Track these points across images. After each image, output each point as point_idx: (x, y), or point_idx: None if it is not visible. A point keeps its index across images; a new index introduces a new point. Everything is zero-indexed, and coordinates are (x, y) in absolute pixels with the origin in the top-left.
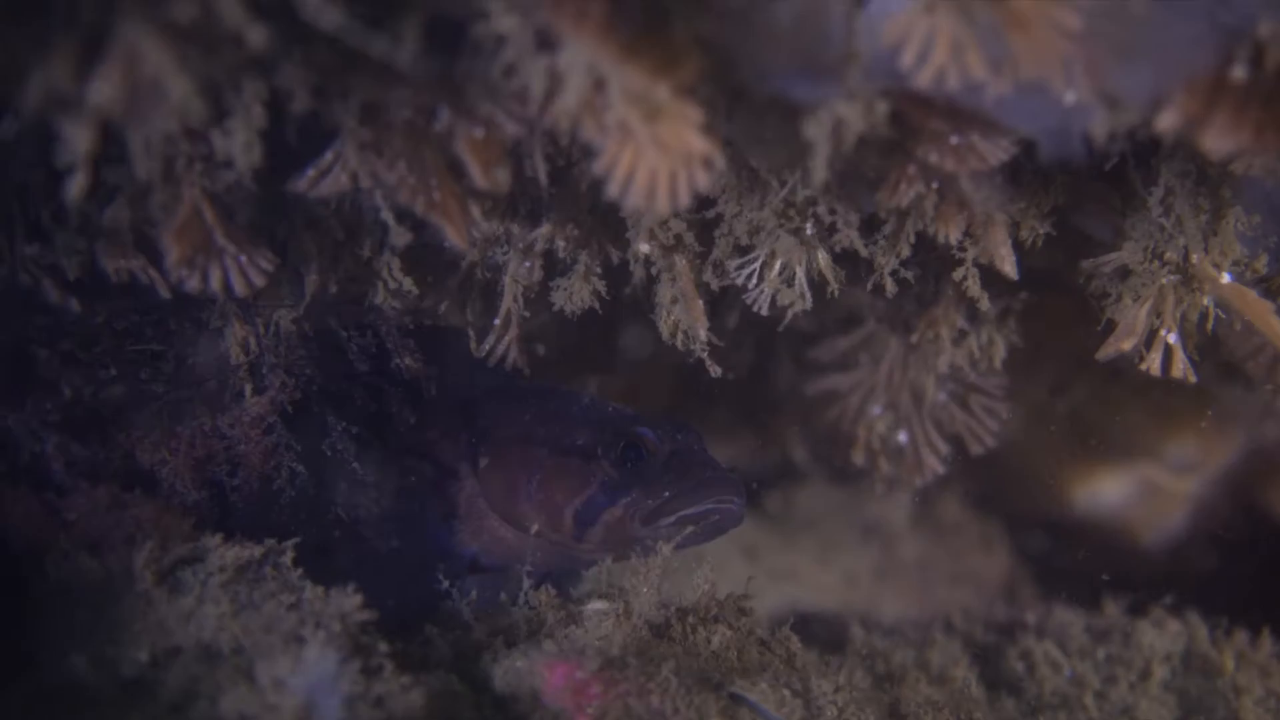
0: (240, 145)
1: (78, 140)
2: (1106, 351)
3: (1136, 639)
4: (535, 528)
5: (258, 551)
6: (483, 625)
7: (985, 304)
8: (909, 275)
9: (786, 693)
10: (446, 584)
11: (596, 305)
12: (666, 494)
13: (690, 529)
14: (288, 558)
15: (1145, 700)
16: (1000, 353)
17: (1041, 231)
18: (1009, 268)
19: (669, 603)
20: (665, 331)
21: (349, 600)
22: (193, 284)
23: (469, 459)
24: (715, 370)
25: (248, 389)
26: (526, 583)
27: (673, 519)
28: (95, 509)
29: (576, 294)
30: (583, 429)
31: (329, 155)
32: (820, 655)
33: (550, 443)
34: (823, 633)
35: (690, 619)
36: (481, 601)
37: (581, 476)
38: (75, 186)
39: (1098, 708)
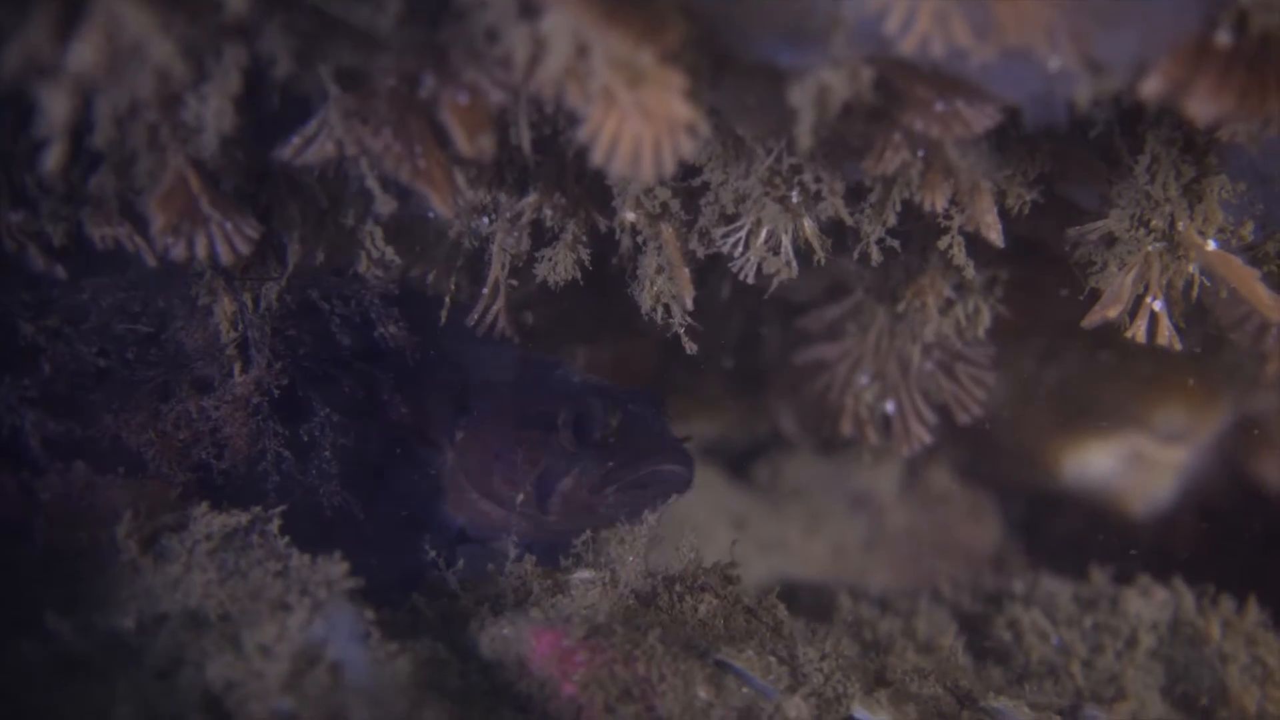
0: (214, 110)
1: (56, 108)
2: (1092, 319)
3: (1123, 607)
4: (509, 500)
5: (244, 519)
6: (469, 594)
7: (971, 272)
8: (895, 244)
9: (773, 660)
10: (433, 554)
11: (579, 276)
12: (611, 463)
13: (637, 495)
14: (274, 525)
15: (1132, 668)
16: (985, 321)
17: (1028, 199)
18: (995, 235)
19: (655, 571)
20: (646, 303)
21: (336, 567)
22: (178, 251)
23: (449, 432)
24: (691, 347)
25: (235, 367)
26: (512, 553)
27: (616, 486)
28: (70, 490)
29: (560, 264)
30: (545, 401)
31: (314, 123)
32: (807, 624)
33: (516, 415)
34: (811, 602)
35: (677, 587)
36: (469, 571)
37: (539, 448)
38: (52, 157)
39: (1084, 676)
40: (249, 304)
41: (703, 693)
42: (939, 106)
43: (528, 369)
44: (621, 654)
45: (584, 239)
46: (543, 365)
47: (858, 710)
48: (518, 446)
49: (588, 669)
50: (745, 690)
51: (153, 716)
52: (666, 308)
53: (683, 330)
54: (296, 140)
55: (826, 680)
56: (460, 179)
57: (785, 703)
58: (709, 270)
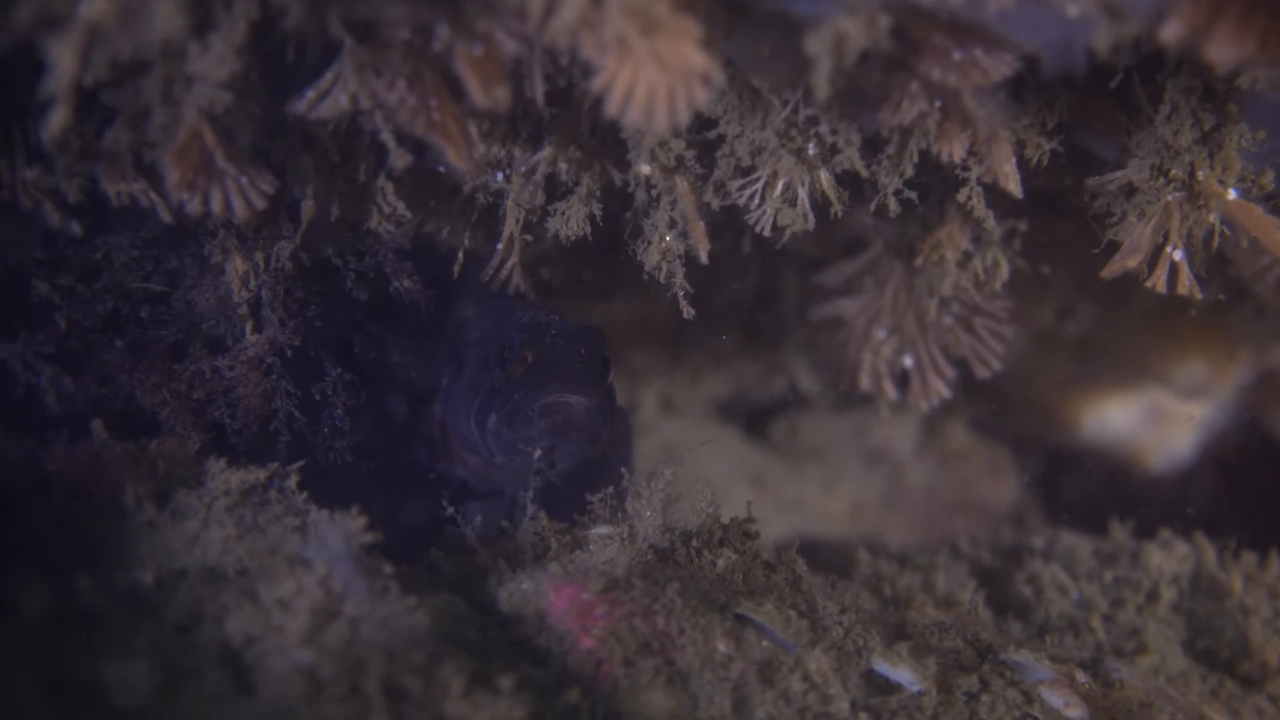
0: (216, 58)
1: (64, 62)
2: (1112, 270)
3: (1144, 562)
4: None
5: (261, 475)
6: (487, 549)
7: (991, 223)
8: (912, 196)
9: (793, 613)
10: (450, 509)
11: (588, 232)
12: (517, 395)
13: (541, 425)
14: (292, 481)
15: (1153, 622)
16: (1004, 275)
17: (1047, 148)
18: (1013, 185)
19: (673, 527)
20: (652, 259)
21: (354, 522)
22: (193, 206)
23: (443, 383)
24: (689, 311)
25: (248, 327)
26: (531, 508)
27: (519, 418)
28: (75, 464)
29: (573, 218)
30: (492, 343)
31: (328, 76)
32: (826, 579)
33: (475, 360)
34: (830, 559)
35: (694, 543)
36: (484, 527)
37: (477, 389)
38: (57, 119)
39: (1105, 630)
40: (261, 263)
41: (722, 646)
42: (956, 55)
43: (504, 317)
44: (641, 608)
45: (598, 193)
46: (514, 310)
47: (878, 663)
48: (467, 389)
49: (607, 622)
50: (765, 644)
51: (172, 671)
52: (669, 267)
53: (683, 295)
54: (311, 94)
55: (847, 634)
56: (474, 132)
57: (805, 656)
58: (724, 225)
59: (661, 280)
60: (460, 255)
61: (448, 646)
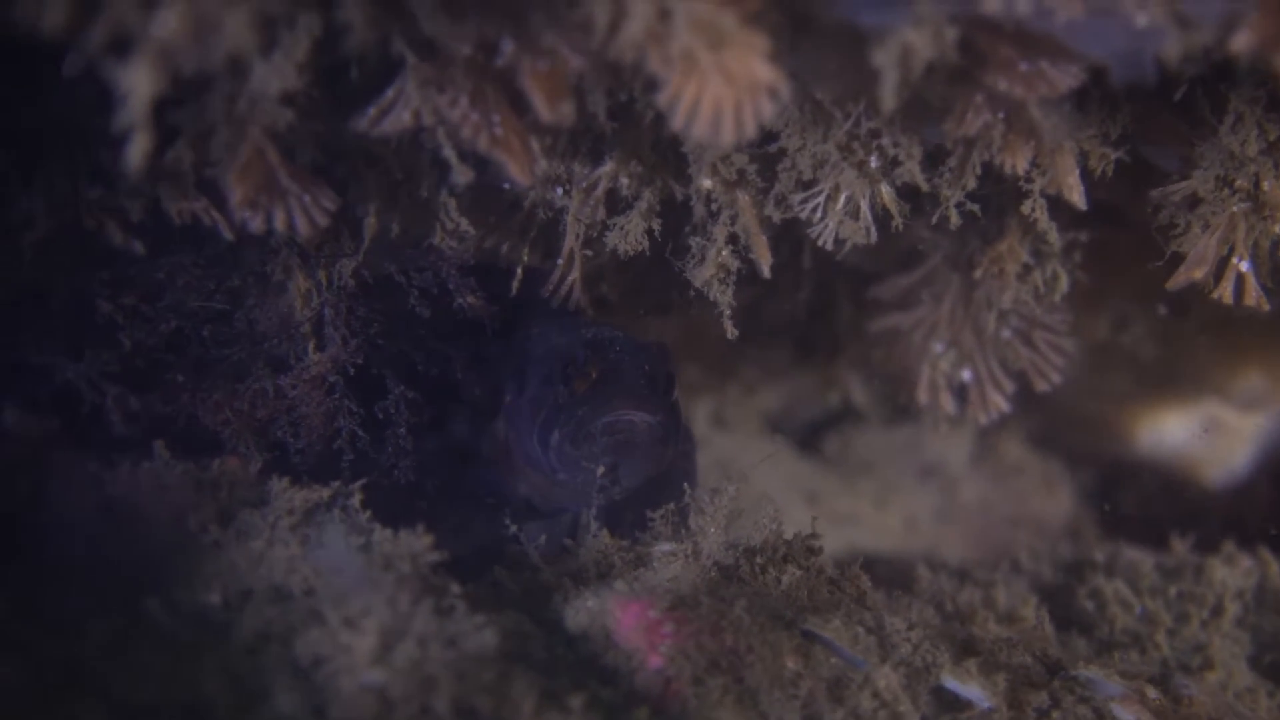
0: (277, 75)
1: (140, 86)
2: (1177, 281)
3: (1208, 576)
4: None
5: (325, 494)
6: (551, 568)
7: (1053, 236)
8: (974, 208)
9: (860, 630)
10: (514, 528)
11: (646, 248)
12: (580, 412)
13: (605, 442)
14: (356, 500)
15: (1218, 637)
16: (1063, 288)
17: (1112, 159)
18: (1077, 197)
19: (737, 543)
20: (704, 274)
21: (419, 541)
22: (256, 225)
23: (506, 400)
24: (733, 332)
25: (310, 345)
26: (594, 525)
27: (583, 435)
28: (138, 487)
29: (632, 232)
30: (556, 359)
31: (390, 93)
32: (888, 595)
33: (539, 375)
34: (886, 574)
35: (759, 559)
36: (547, 546)
37: (540, 406)
38: (137, 148)
39: (1170, 645)
40: (323, 280)
41: (791, 663)
42: (1023, 66)
43: (566, 332)
44: (708, 625)
45: (658, 208)
46: (576, 326)
47: (948, 680)
48: (530, 406)
49: (675, 640)
50: (833, 660)
51: (243, 692)
52: (720, 284)
53: (729, 312)
54: (373, 111)
55: (915, 650)
56: (536, 147)
57: (874, 672)
58: (780, 238)
59: (711, 297)
60: (519, 271)
61: (516, 665)
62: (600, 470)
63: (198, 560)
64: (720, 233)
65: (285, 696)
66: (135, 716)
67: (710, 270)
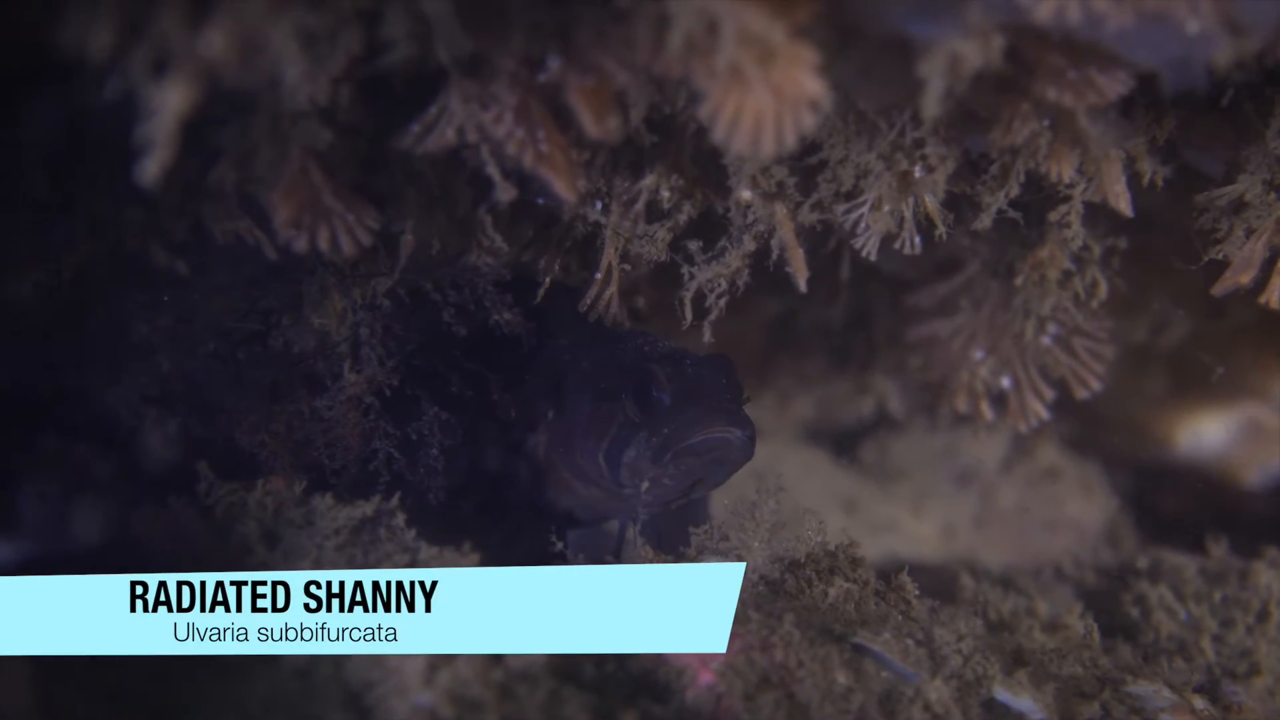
0: (319, 92)
1: (172, 102)
2: (1224, 286)
3: (1252, 580)
4: (593, 478)
5: (369, 509)
6: None
7: (1094, 243)
8: (1016, 216)
9: (910, 642)
10: (560, 545)
11: (665, 258)
12: (666, 430)
13: (695, 463)
14: (400, 519)
15: (1264, 643)
16: (1102, 294)
17: (1161, 172)
18: (1124, 205)
19: (782, 557)
20: (711, 270)
21: (465, 559)
22: (301, 244)
23: (545, 414)
24: (709, 337)
25: (346, 366)
26: (640, 542)
27: (671, 453)
28: (157, 530)
29: (659, 240)
30: (616, 373)
31: (433, 110)
32: (932, 605)
33: (591, 389)
34: (926, 582)
35: (805, 572)
36: (587, 554)
37: (608, 421)
38: (156, 161)
39: (1215, 651)
40: (359, 300)
41: (841, 678)
42: (1071, 74)
43: (611, 344)
44: (758, 640)
45: (694, 217)
46: (623, 339)
47: (999, 692)
48: (591, 421)
49: (725, 656)
50: (884, 674)
51: (295, 715)
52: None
53: (714, 319)
54: (416, 128)
55: (966, 662)
56: (579, 163)
57: (926, 686)
58: (819, 247)
59: (706, 305)
60: (546, 282)
61: (566, 683)
62: (644, 485)
63: None
64: (748, 242)
65: (338, 718)
66: None
67: (719, 270)
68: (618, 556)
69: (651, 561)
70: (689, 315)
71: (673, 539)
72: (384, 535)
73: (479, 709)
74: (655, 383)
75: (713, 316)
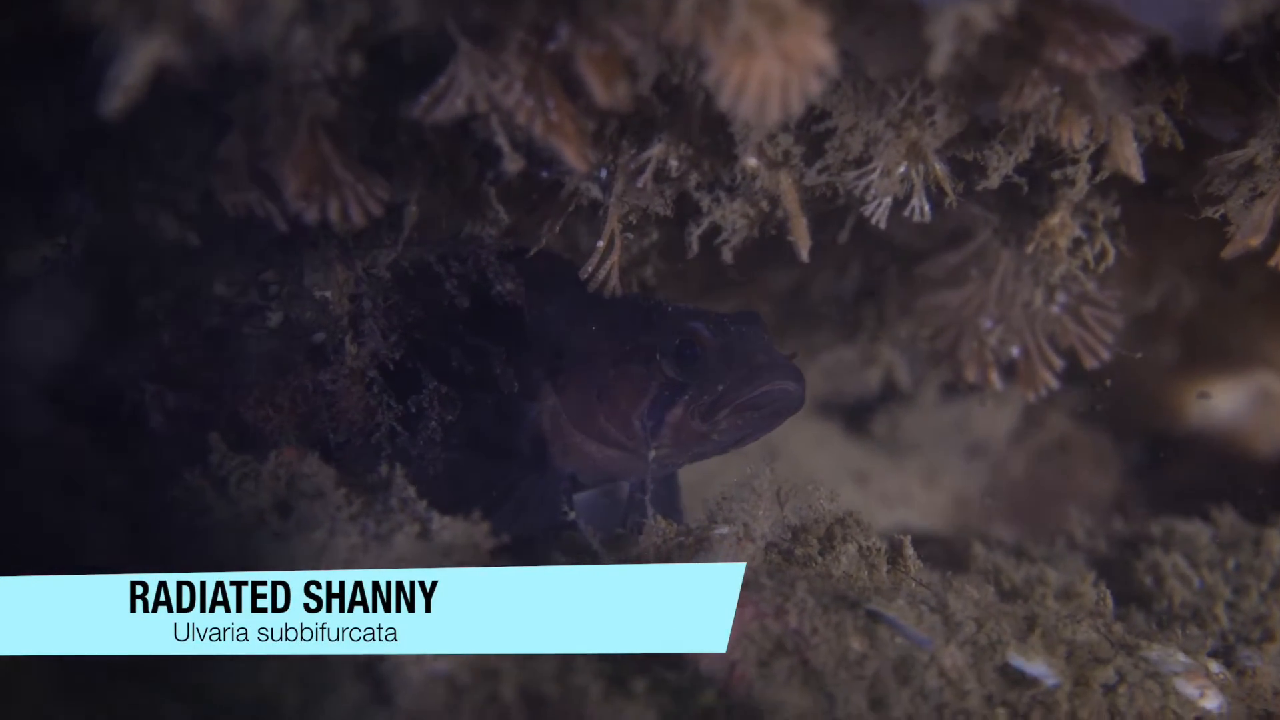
0: (326, 61)
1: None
2: (1234, 249)
3: (1266, 547)
4: (617, 438)
5: (376, 479)
6: (611, 553)
7: (1106, 209)
8: (1023, 182)
9: (924, 609)
10: (571, 515)
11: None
12: (720, 387)
13: (751, 415)
14: (412, 490)
15: (1278, 608)
16: (1110, 261)
17: (1174, 133)
18: (1135, 170)
19: (792, 525)
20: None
21: (477, 529)
22: (311, 215)
23: (550, 379)
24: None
25: (348, 339)
26: (650, 509)
27: (729, 409)
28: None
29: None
30: (641, 333)
31: (442, 80)
32: (944, 574)
33: (614, 352)
34: (938, 553)
35: (815, 540)
36: (596, 515)
37: (642, 381)
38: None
39: (1229, 618)
40: (362, 272)
41: (856, 644)
42: (1082, 39)
43: (615, 306)
44: (772, 607)
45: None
46: (631, 301)
47: (1014, 657)
48: (620, 382)
49: (739, 623)
50: (899, 640)
51: (310, 685)
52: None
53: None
54: (426, 99)
55: (980, 628)
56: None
57: (940, 652)
58: (826, 218)
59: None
60: (532, 250)
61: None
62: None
63: (260, 551)
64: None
65: (352, 688)
66: (206, 711)
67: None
68: (628, 524)
69: (667, 532)
70: (695, 247)
71: (662, 504)
72: (395, 505)
73: (495, 676)
74: (700, 342)
75: (733, 242)
